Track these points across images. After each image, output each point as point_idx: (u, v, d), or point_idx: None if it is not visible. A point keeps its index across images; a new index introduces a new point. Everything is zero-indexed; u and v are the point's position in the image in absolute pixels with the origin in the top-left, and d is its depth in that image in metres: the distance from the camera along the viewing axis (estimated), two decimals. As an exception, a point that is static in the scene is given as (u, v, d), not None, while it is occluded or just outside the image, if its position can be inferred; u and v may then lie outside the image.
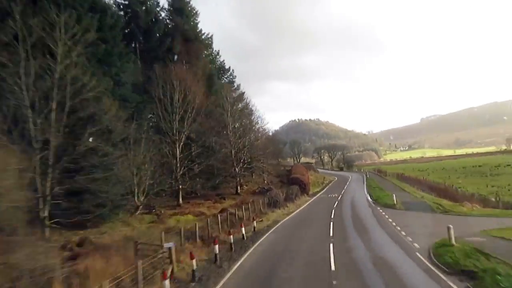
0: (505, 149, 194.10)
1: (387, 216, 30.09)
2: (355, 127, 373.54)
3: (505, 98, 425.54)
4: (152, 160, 32.64)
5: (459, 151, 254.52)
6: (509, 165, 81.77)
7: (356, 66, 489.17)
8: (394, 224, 25.64)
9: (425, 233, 21.12)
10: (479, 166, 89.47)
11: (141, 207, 30.96)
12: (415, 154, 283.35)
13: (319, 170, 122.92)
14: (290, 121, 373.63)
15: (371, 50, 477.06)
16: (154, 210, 32.14)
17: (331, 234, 23.12)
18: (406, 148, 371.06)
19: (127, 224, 27.05)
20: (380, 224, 26.37)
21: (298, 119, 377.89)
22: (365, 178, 70.60)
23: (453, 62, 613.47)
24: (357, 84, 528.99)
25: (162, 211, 31.98)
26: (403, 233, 21.74)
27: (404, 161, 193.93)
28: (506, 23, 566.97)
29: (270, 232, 26.25)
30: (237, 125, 52.05)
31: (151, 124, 40.75)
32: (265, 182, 55.76)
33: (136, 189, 30.38)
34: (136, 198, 30.44)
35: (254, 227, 26.83)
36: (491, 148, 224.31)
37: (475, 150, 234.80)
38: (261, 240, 23.11)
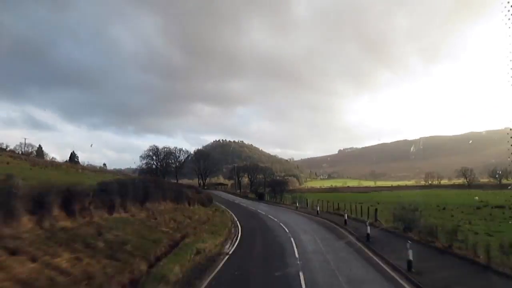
0: (425, 183, 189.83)
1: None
2: (277, 153, 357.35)
3: (414, 137, 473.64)
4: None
5: (380, 183, 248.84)
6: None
7: (278, 95, 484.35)
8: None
9: None
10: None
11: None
12: (336, 183, 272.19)
13: (220, 193, 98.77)
14: (213, 141, 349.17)
15: (291, 81, 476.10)
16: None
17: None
18: (326, 177, 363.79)
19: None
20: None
21: (222, 140, 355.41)
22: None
23: (368, 102, 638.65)
24: (279, 112, 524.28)
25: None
26: None
27: (332, 189, 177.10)
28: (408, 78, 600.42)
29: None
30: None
31: None
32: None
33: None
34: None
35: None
36: (410, 182, 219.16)
37: (394, 183, 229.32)
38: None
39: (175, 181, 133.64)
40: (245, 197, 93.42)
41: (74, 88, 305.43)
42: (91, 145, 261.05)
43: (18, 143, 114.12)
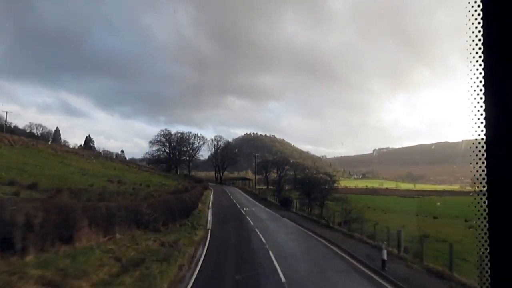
0: (473, 189, 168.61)
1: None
2: (308, 150, 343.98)
3: (455, 139, 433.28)
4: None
5: (419, 186, 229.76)
6: None
7: (310, 91, 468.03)
8: None
9: None
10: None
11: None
12: (372, 183, 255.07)
13: (233, 191, 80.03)
14: (244, 135, 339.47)
15: (325, 77, 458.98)
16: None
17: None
18: (360, 177, 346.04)
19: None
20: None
21: (253, 133, 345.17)
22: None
23: (408, 100, 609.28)
24: (312, 108, 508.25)
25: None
26: None
27: (370, 191, 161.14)
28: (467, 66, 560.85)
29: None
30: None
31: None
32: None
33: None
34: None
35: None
36: (454, 187, 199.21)
37: (433, 187, 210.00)
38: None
39: (188, 172, 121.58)
40: (262, 200, 62.42)
41: (106, 76, 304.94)
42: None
43: (28, 123, 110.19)
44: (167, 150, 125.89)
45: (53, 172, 38.31)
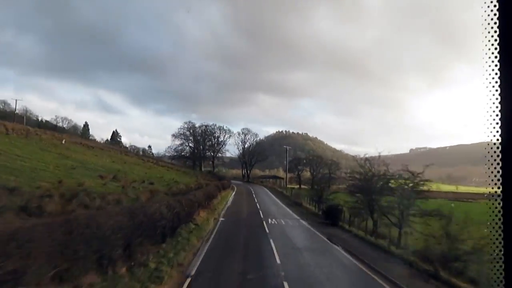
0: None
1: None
2: (342, 149, 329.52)
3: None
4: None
5: (462, 188, 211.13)
6: None
7: (344, 89, 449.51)
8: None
9: None
10: None
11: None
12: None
13: (259, 190, 74.93)
14: (276, 132, 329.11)
15: (358, 74, 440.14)
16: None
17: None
18: (397, 177, 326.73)
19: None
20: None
21: (285, 131, 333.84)
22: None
23: (448, 97, 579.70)
24: (345, 107, 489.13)
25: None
26: None
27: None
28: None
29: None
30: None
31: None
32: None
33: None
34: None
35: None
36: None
37: (476, 189, 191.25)
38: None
39: (212, 169, 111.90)
40: (295, 205, 47.65)
41: (141, 73, 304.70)
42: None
43: (54, 116, 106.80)
44: (190, 145, 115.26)
45: (30, 164, 30.23)
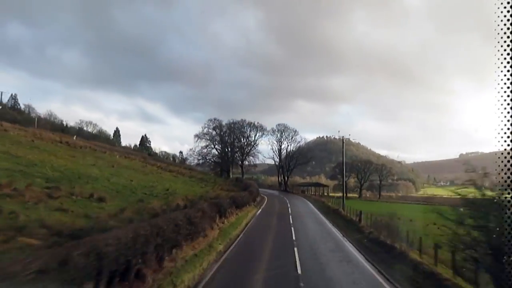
0: None
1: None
2: (386, 155, 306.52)
3: None
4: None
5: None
6: None
7: (385, 93, 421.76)
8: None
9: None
10: None
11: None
12: (466, 191, 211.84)
13: (299, 203, 54.27)
14: (317, 138, 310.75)
15: (400, 78, 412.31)
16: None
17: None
18: (448, 184, 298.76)
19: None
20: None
21: (326, 136, 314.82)
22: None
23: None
24: (386, 111, 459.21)
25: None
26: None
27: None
28: None
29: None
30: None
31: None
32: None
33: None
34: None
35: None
36: None
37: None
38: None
39: (241, 175, 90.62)
40: (371, 243, 23.09)
41: (179, 83, 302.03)
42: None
43: (78, 120, 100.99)
44: (217, 147, 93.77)
45: None
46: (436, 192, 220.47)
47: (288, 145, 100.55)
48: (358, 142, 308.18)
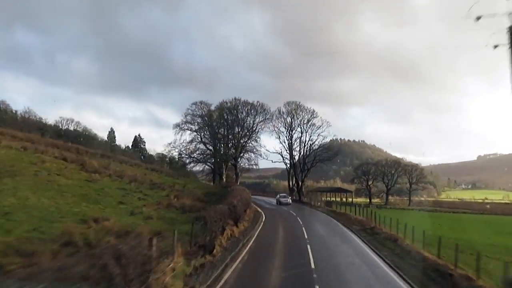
0: None
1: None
2: (402, 157, 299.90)
3: None
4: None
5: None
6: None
7: (396, 95, 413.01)
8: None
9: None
10: None
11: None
12: (489, 194, 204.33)
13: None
14: (330, 140, 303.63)
15: (411, 80, 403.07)
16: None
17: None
18: (469, 186, 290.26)
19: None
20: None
21: (340, 139, 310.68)
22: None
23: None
24: (398, 114, 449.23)
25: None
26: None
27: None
28: None
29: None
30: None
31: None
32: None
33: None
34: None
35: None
36: None
37: None
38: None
39: (235, 179, 68.11)
40: None
41: (188, 87, 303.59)
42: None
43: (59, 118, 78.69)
44: (206, 141, 68.87)
45: None
46: (460, 195, 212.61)
47: (302, 133, 72.31)
48: (374, 145, 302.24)
